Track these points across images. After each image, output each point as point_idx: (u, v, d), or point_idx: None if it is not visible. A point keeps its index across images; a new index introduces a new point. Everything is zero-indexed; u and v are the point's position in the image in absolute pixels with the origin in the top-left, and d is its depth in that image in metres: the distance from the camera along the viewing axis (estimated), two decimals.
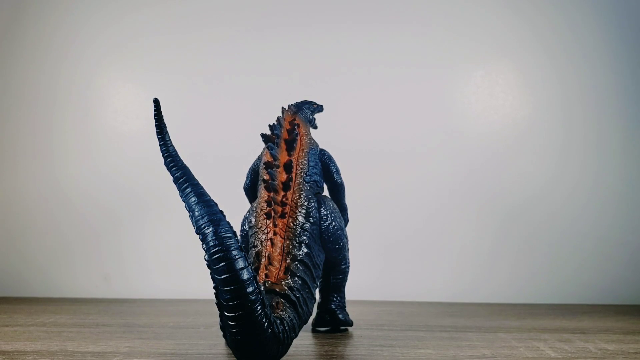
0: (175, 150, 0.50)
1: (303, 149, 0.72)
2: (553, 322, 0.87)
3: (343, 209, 0.79)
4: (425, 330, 0.78)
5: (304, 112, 0.82)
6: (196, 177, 0.49)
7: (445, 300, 1.17)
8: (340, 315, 0.76)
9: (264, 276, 0.57)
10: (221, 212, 0.49)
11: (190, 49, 1.30)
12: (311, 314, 0.61)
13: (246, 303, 0.47)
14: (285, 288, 0.56)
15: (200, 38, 1.30)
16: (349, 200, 0.81)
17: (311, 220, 0.65)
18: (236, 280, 0.47)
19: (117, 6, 1.32)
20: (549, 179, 1.21)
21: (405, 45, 1.27)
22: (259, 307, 0.48)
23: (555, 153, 1.22)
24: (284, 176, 0.68)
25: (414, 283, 1.20)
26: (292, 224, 0.63)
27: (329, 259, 0.70)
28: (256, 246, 0.61)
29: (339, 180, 0.78)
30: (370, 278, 1.19)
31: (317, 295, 0.75)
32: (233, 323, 0.48)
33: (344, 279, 0.76)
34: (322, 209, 0.68)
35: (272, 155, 0.68)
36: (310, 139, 0.77)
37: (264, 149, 0.78)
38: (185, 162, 0.50)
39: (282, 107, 0.80)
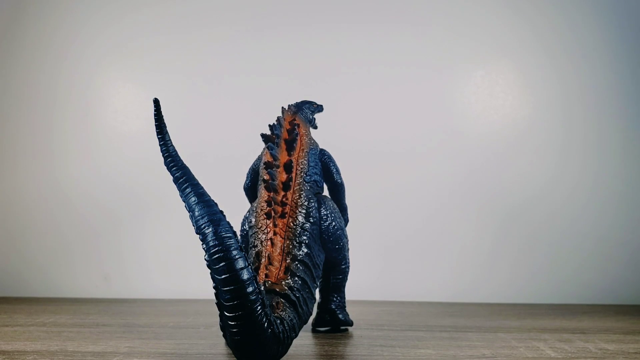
0: (175, 150, 0.50)
1: (303, 149, 0.72)
2: (553, 322, 0.87)
3: (343, 209, 0.79)
4: (425, 330, 0.78)
5: (304, 112, 0.82)
6: (196, 177, 0.49)
7: (445, 300, 1.17)
8: (340, 315, 0.76)
9: (264, 276, 0.57)
10: (221, 212, 0.49)
11: (190, 49, 1.30)
12: (311, 314, 0.61)
13: (246, 303, 0.47)
14: (285, 288, 0.56)
15: (200, 38, 1.30)
16: (349, 200, 0.81)
17: (311, 220, 0.65)
18: (236, 280, 0.47)
19: (117, 6, 1.32)
20: (549, 179, 1.21)
21: (405, 45, 1.27)
22: (259, 307, 0.48)
23: (555, 153, 1.22)
24: (284, 176, 0.68)
25: (414, 283, 1.20)
26: (292, 224, 0.63)
27: (329, 259, 0.70)
28: (256, 246, 0.61)
29: (339, 180, 0.78)
30: (370, 278, 1.19)
31: (317, 295, 0.75)
32: (233, 323, 0.48)
33: (344, 279, 0.76)
34: (322, 209, 0.68)
35: (272, 155, 0.68)
36: (310, 139, 0.77)
37: (264, 149, 0.78)
38: (185, 162, 0.50)
39: (282, 107, 0.80)
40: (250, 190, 0.79)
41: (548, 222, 1.20)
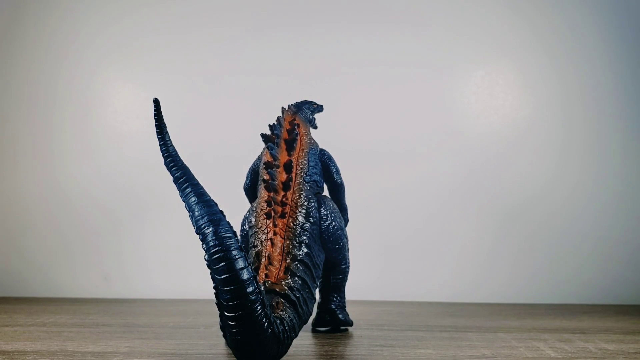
0: (175, 150, 0.50)
1: (303, 149, 0.72)
2: (553, 322, 0.87)
3: (343, 209, 0.79)
4: (425, 330, 0.78)
5: (304, 112, 0.82)
6: (196, 177, 0.49)
7: (445, 300, 1.17)
8: (340, 315, 0.76)
9: (264, 276, 0.57)
10: (221, 212, 0.49)
11: (190, 49, 1.30)
12: (311, 314, 0.61)
13: (246, 303, 0.47)
14: (285, 288, 0.56)
15: (200, 38, 1.30)
16: (349, 200, 0.81)
17: (311, 220, 0.65)
18: (236, 280, 0.47)
19: (117, 6, 1.32)
20: (549, 179, 1.21)
21: (405, 45, 1.27)
22: (259, 307, 0.48)
23: (555, 153, 1.22)
24: (284, 176, 0.68)
25: (414, 283, 1.20)
26: (292, 224, 0.63)
27: (329, 259, 0.70)
28: (256, 246, 0.61)
29: (339, 180, 0.78)
30: (370, 278, 1.19)
31: (317, 295, 0.75)
32: (233, 323, 0.48)
33: (344, 279, 0.76)
34: (322, 209, 0.68)
35: (272, 155, 0.68)
36: (310, 139, 0.77)
37: (264, 149, 0.78)
38: (185, 162, 0.50)
39: (282, 107, 0.80)
40: (250, 190, 0.79)
41: (548, 222, 1.20)
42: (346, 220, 0.79)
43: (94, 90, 1.32)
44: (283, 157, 0.70)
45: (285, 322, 0.53)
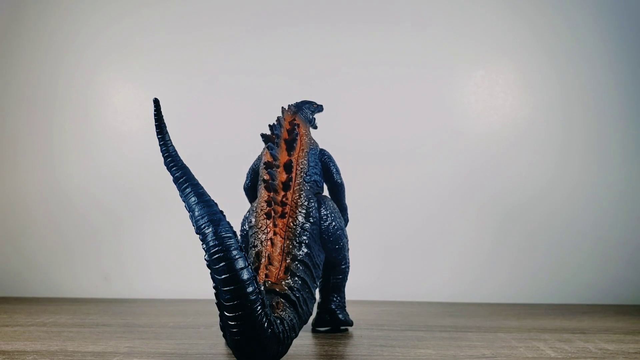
0: (175, 150, 0.50)
1: (303, 149, 0.73)
2: (553, 322, 0.87)
3: (343, 209, 0.79)
4: (425, 330, 0.78)
5: (304, 112, 0.82)
6: (196, 177, 0.49)
7: (445, 300, 1.17)
8: (340, 315, 0.76)
9: (264, 276, 0.57)
10: (221, 212, 0.49)
11: (190, 49, 1.30)
12: (311, 314, 0.61)
13: (246, 303, 0.47)
14: (285, 288, 0.56)
15: (200, 38, 1.30)
16: (349, 200, 0.81)
17: (311, 220, 0.65)
18: (236, 280, 0.47)
19: (117, 6, 1.32)
20: (549, 179, 1.21)
21: (405, 45, 1.27)
22: (259, 307, 0.48)
23: (555, 153, 1.22)
24: (284, 176, 0.68)
25: (414, 283, 1.20)
26: (292, 224, 0.63)
27: (329, 259, 0.70)
28: (256, 246, 0.61)
29: (339, 180, 0.78)
30: (370, 278, 1.19)
31: (317, 295, 0.75)
32: (233, 323, 0.48)
33: (344, 279, 0.76)
34: (322, 209, 0.68)
35: (272, 155, 0.68)
36: (310, 139, 0.77)
37: (264, 149, 0.78)
38: (185, 162, 0.50)
39: (282, 107, 0.80)
40: (250, 190, 0.79)
41: (548, 222, 1.20)
42: (346, 220, 0.79)
43: (94, 90, 1.32)
44: (283, 157, 0.70)
45: (285, 322, 0.53)
